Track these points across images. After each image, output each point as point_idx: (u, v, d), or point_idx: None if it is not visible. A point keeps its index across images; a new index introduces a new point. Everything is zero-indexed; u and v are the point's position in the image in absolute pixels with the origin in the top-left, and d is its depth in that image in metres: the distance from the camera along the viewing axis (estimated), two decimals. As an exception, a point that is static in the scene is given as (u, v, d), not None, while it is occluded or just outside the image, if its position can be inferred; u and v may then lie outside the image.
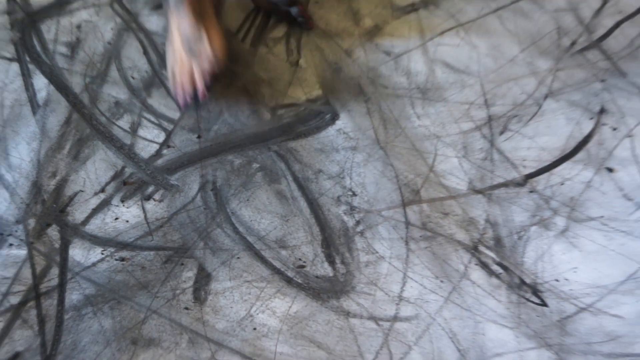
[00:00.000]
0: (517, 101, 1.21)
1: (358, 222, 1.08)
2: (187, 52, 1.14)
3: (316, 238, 1.06)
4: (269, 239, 1.06)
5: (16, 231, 1.06)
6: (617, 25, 1.32)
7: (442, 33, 1.31)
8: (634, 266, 1.03)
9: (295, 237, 1.06)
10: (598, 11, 1.34)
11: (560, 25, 1.31)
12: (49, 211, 1.08)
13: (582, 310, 0.99)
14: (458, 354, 0.96)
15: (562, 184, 1.12)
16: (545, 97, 1.21)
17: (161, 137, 1.18)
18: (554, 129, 1.18)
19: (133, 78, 1.24)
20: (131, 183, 1.12)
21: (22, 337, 0.96)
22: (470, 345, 0.96)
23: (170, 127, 1.18)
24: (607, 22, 1.32)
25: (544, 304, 1.00)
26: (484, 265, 1.04)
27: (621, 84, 1.23)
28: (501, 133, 1.18)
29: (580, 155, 1.15)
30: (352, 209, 1.09)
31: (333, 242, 1.06)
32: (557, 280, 1.02)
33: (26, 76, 1.24)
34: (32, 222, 1.07)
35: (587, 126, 1.18)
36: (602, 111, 1.20)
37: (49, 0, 1.34)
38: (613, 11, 1.34)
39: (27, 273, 1.02)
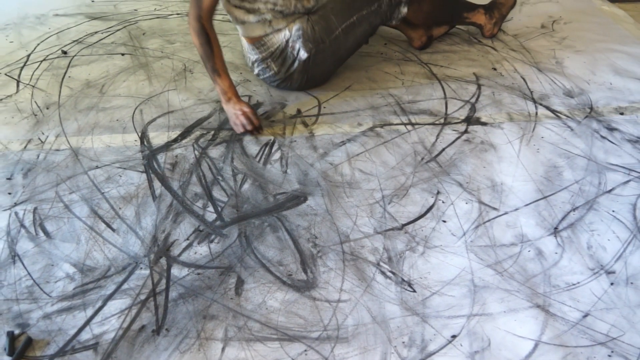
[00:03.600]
0: (397, 188, 1.22)
1: (319, 252, 1.07)
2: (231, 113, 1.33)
3: (297, 260, 1.05)
4: (273, 261, 1.05)
5: (144, 261, 1.05)
6: (444, 149, 1.33)
7: (357, 155, 1.31)
8: (457, 271, 1.02)
9: (287, 259, 1.05)
10: (434, 143, 1.35)
11: (415, 150, 1.32)
12: (161, 250, 1.07)
13: (434, 294, 0.98)
14: (371, 318, 0.93)
15: (421, 229, 1.11)
16: (410, 186, 1.22)
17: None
18: (415, 202, 1.18)
19: (204, 181, 1.23)
20: (202, 231, 1.11)
21: (146, 317, 0.94)
22: (377, 314, 0.94)
23: (222, 205, 1.17)
24: (438, 148, 1.33)
25: (414, 291, 0.98)
26: (383, 273, 1.02)
27: (447, 179, 1.24)
28: (389, 203, 1.17)
29: (429, 215, 1.15)
30: (315, 245, 1.08)
31: (306, 261, 1.05)
32: (420, 278, 1.00)
33: (149, 181, 1.23)
34: (152, 256, 1.05)
35: (431, 200, 1.18)
36: (438, 193, 1.20)
37: (161, 144, 1.35)
38: (441, 142, 1.35)
39: (149, 282, 1.00)
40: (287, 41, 1.40)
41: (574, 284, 1.00)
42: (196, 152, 1.32)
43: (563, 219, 1.14)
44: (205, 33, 1.27)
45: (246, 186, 1.22)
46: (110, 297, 0.97)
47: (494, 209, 1.16)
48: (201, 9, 1.27)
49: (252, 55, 1.47)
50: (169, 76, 1.62)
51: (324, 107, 1.49)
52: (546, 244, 1.08)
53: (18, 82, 1.58)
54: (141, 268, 1.03)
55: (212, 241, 1.09)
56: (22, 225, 1.11)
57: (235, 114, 1.32)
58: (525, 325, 0.93)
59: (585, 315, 0.94)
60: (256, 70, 1.51)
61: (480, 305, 0.96)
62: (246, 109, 1.31)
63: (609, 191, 1.20)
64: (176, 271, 1.02)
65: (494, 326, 0.92)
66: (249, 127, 1.31)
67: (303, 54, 1.41)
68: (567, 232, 1.11)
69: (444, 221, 1.13)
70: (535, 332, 0.91)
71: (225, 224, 1.13)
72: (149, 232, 1.10)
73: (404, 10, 1.51)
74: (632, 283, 1.00)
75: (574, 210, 1.16)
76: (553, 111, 1.47)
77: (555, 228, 1.12)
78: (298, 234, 1.10)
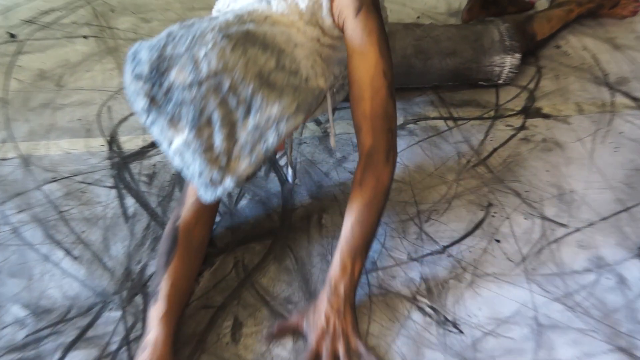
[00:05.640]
0: (435, 200, 1.21)
1: (337, 284, 1.06)
2: None
3: (309, 295, 1.05)
4: (280, 298, 1.04)
5: (114, 299, 1.04)
6: (494, 150, 1.33)
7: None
8: (516, 305, 1.02)
9: (297, 295, 1.05)
10: (482, 141, 1.35)
11: (459, 151, 1.33)
12: (136, 285, 1.07)
13: (487, 335, 0.97)
14: (407, 369, 0.92)
15: (468, 251, 1.11)
16: (453, 198, 1.22)
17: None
18: (459, 217, 1.18)
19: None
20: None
21: (118, 371, 0.92)
22: (414, 362, 0.93)
23: (213, 226, 1.15)
24: (488, 148, 1.33)
25: (461, 332, 0.98)
26: (420, 309, 1.01)
27: (500, 187, 1.24)
28: (427, 220, 1.17)
29: (478, 232, 1.14)
30: (333, 275, 1.07)
31: (321, 297, 1.04)
32: (469, 316, 1.00)
33: (121, 198, 1.24)
34: (124, 293, 1.05)
35: (480, 215, 1.18)
36: (489, 205, 1.20)
37: (135, 149, 1.36)
38: (491, 141, 1.36)
39: (121, 327, 1.00)
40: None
41: (670, 322, 0.99)
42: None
43: (652, 237, 1.13)
44: (174, 240, 1.00)
45: (244, 202, 1.22)
46: (71, 346, 0.97)
47: (562, 225, 1.16)
48: (182, 207, 1.03)
49: None
50: (143, 64, 1.63)
51: (340, 99, 1.49)
52: (630, 269, 1.07)
53: (-45, 75, 1.60)
54: (111, 309, 1.03)
55: (200, 273, 1.08)
56: (-38, 256, 1.12)
57: None
58: (608, 376, 0.92)
59: (686, 363, 0.93)
60: None
61: (547, 349, 0.95)
62: None
63: None
64: (156, 312, 1.01)
65: (567, 378, 0.92)
66: None
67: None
68: (658, 254, 1.10)
69: (498, 241, 1.13)
70: (621, 384, 0.91)
71: (217, 251, 1.13)
72: (120, 262, 1.10)
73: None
74: None
75: (666, 225, 1.15)
76: (634, 99, 1.47)
77: (643, 249, 1.11)
78: (310, 262, 1.10)
